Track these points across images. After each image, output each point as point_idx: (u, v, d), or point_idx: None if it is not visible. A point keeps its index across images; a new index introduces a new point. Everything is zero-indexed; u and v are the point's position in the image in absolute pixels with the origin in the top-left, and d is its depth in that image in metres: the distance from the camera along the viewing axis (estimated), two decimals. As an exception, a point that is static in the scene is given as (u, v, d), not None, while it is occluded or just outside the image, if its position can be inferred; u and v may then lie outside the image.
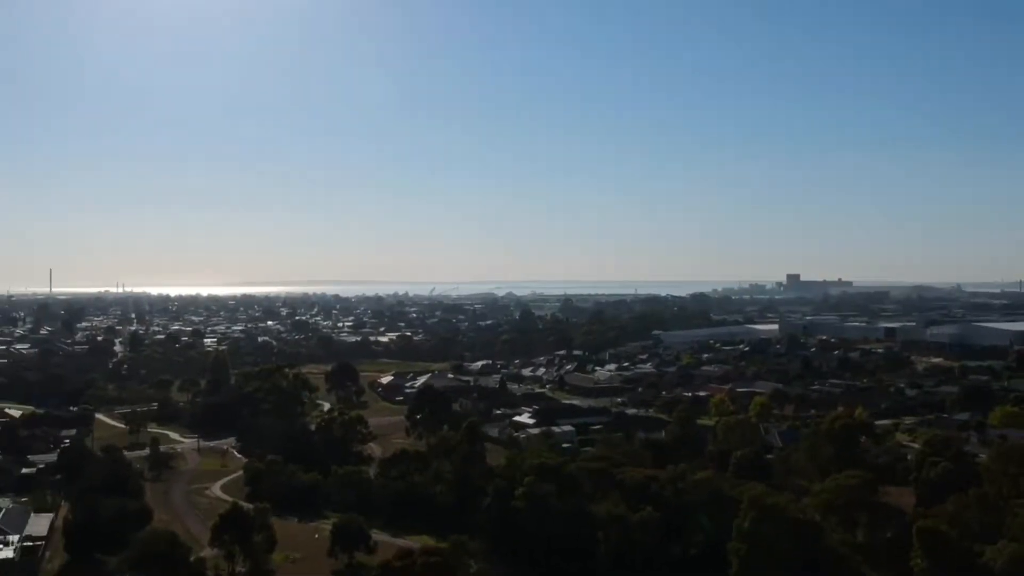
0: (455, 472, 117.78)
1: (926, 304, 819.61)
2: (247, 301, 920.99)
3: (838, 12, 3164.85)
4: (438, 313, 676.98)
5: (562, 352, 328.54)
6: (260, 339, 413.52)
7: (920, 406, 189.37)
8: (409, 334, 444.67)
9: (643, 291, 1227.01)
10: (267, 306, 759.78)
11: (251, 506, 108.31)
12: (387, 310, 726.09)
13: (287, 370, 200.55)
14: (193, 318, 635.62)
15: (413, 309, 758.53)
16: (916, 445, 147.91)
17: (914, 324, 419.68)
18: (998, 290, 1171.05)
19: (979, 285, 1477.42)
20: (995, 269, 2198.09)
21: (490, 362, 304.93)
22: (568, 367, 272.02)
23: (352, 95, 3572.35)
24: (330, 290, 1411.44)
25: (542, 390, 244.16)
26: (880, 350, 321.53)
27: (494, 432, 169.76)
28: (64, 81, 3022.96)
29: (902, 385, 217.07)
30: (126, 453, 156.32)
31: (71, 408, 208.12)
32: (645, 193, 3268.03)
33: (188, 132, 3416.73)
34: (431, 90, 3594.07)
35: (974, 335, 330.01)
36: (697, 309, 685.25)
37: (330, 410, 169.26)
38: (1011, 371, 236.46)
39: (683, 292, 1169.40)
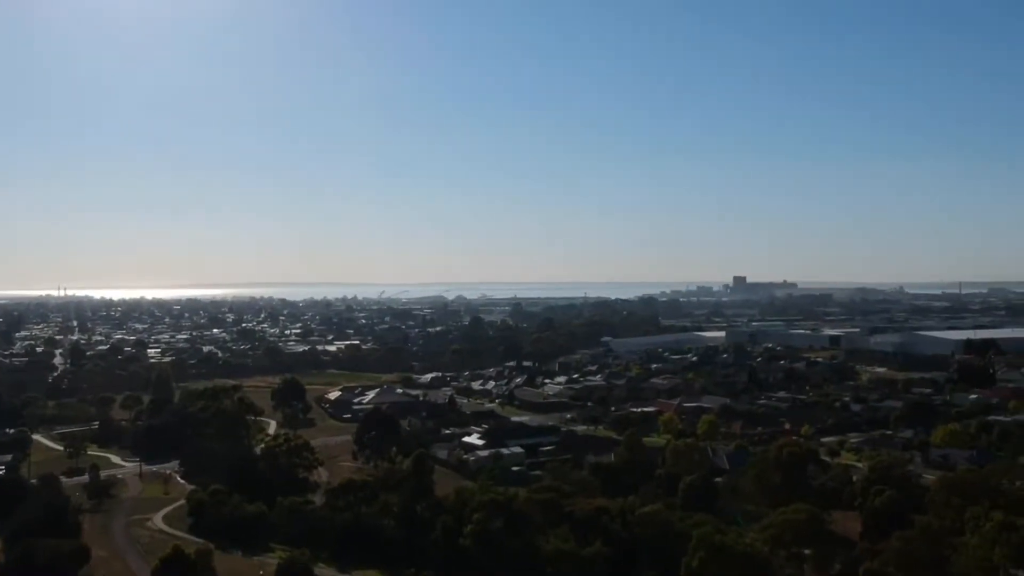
0: (403, 505, 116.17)
1: (869, 307, 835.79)
2: (192, 306, 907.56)
3: (785, 15, 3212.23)
4: (387, 319, 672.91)
5: (512, 363, 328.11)
6: (205, 349, 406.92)
7: (865, 423, 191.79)
8: (358, 342, 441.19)
9: (593, 293, 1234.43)
10: (213, 312, 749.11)
11: (194, 547, 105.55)
12: (335, 316, 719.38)
13: (232, 391, 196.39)
14: (137, 326, 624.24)
15: (362, 314, 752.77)
16: (861, 465, 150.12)
17: (858, 331, 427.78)
18: (939, 291, 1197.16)
19: (921, 286, 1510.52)
20: (936, 270, 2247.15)
21: (440, 374, 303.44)
22: (518, 380, 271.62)
23: (299, 95, 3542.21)
24: (278, 292, 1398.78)
25: (492, 405, 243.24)
26: (824, 360, 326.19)
27: (443, 454, 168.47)
28: (3, 79, 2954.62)
29: (847, 399, 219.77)
30: (65, 480, 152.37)
31: (7, 430, 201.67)
32: (594, 195, 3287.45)
33: (133, 133, 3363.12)
34: (380, 92, 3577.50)
35: (917, 344, 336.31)
36: (646, 314, 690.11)
37: (275, 435, 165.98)
38: (953, 384, 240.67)
39: (632, 294, 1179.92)
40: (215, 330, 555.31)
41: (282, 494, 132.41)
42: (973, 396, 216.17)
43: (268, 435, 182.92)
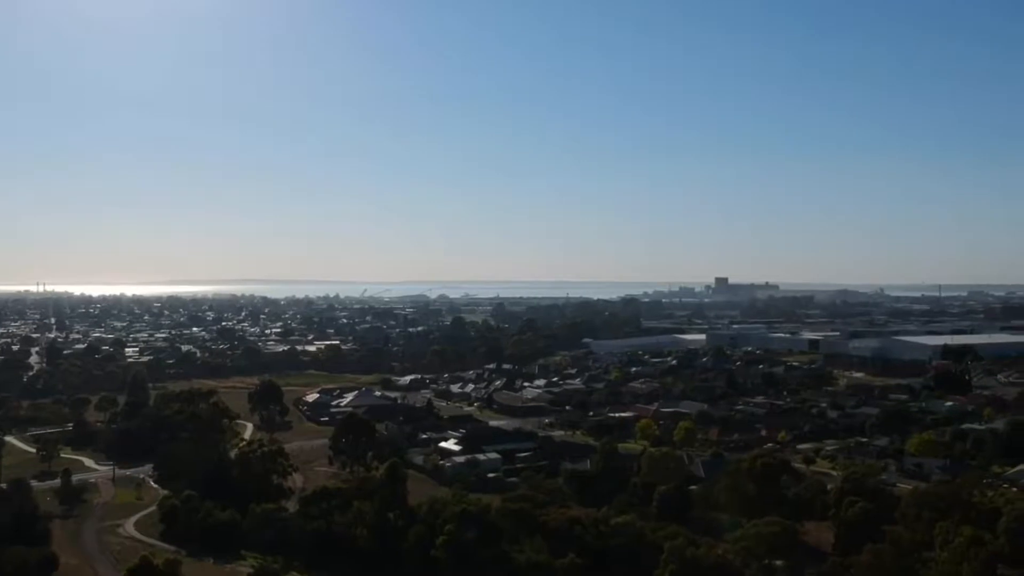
0: (376, 514, 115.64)
1: (849, 309, 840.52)
2: (173, 303, 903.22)
3: (767, 13, 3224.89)
4: (368, 318, 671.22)
5: (492, 365, 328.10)
6: (184, 348, 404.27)
7: (841, 429, 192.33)
8: (338, 342, 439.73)
9: (576, 293, 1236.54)
10: (192, 311, 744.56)
11: (163, 557, 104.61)
12: (316, 315, 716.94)
13: (208, 395, 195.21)
14: (116, 323, 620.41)
15: (343, 313, 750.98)
16: (836, 473, 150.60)
17: (837, 334, 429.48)
18: (919, 294, 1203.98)
19: (901, 288, 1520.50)
20: (916, 272, 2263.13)
21: (419, 376, 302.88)
22: (497, 383, 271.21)
23: (280, 92, 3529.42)
24: (260, 290, 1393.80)
25: (471, 409, 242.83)
26: (801, 364, 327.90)
27: (419, 459, 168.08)
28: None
29: (824, 405, 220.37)
30: (37, 484, 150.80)
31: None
32: (578, 194, 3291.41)
33: (116, 129, 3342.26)
34: (363, 89, 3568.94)
35: (895, 349, 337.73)
36: (628, 315, 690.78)
37: (250, 441, 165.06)
38: (929, 390, 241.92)
39: (615, 294, 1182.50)
40: (195, 329, 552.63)
41: (256, 500, 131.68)
42: (949, 403, 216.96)
43: (244, 439, 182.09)
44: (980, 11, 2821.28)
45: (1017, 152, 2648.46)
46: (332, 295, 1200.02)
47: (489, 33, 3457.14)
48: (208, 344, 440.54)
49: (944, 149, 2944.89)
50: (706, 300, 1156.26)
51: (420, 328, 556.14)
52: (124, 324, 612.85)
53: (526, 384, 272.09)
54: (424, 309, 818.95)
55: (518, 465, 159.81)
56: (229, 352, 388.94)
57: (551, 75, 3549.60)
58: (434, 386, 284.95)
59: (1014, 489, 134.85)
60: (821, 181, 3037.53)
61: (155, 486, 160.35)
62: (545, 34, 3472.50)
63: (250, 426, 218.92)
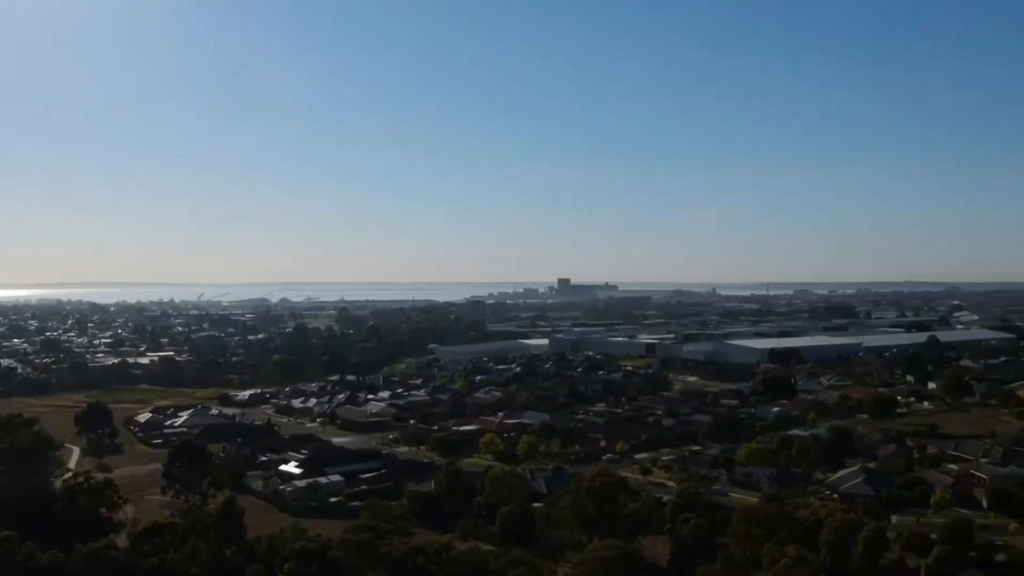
0: (212, 551, 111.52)
1: (684, 309, 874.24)
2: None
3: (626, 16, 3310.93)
4: (206, 326, 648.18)
5: (335, 377, 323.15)
6: (4, 363, 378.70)
7: (676, 438, 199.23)
8: (172, 353, 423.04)
9: (421, 294, 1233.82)
10: (14, 319, 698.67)
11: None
12: (149, 322, 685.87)
13: (29, 423, 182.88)
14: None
15: (179, 320, 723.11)
16: (672, 484, 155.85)
17: (672, 337, 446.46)
18: (748, 293, 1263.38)
19: (731, 287, 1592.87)
20: (746, 271, 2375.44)
21: (259, 391, 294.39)
22: (340, 397, 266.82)
23: (105, 86, 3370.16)
24: (88, 294, 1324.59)
25: (313, 425, 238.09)
26: (638, 368, 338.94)
27: (258, 484, 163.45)
28: None
29: (660, 413, 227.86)
30: None
31: None
32: (423, 193, 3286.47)
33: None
34: (194, 83, 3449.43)
35: (726, 353, 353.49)
36: (473, 318, 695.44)
37: (76, 474, 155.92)
38: (758, 395, 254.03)
39: (461, 295, 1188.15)
40: (16, 340, 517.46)
41: (82, 538, 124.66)
42: (776, 409, 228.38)
43: (69, 469, 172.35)
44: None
45: (840, 156, 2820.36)
46: (167, 299, 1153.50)
47: (330, 25, 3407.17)
48: (31, 357, 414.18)
49: (773, 153, 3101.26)
50: (549, 301, 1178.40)
51: (260, 336, 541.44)
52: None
53: (370, 397, 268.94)
54: (265, 315, 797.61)
55: (362, 487, 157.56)
56: (54, 367, 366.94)
57: (402, 72, 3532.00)
58: (275, 401, 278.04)
59: (835, 496, 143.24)
60: (656, 183, 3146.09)
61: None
62: (393, 29, 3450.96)
63: (77, 451, 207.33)
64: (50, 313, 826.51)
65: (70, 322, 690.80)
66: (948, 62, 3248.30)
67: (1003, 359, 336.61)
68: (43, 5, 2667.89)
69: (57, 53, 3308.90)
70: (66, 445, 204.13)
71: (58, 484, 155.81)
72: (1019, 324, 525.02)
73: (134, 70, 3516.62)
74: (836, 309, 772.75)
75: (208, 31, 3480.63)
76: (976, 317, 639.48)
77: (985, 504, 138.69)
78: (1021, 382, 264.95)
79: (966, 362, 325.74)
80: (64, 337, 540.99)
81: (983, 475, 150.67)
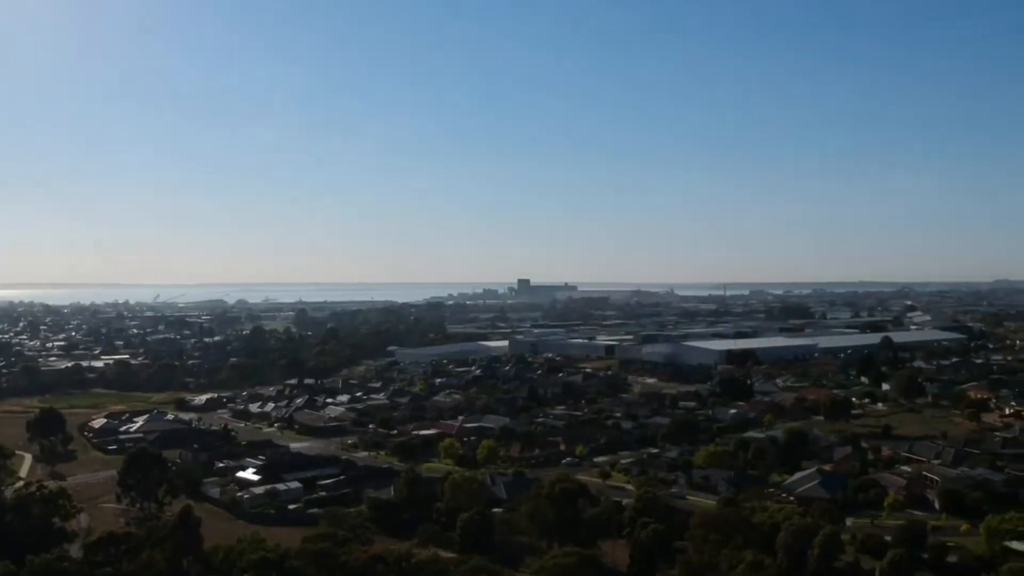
0: (168, 562, 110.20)
1: (642, 310, 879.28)
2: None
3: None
4: (161, 328, 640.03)
5: (293, 381, 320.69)
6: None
7: (635, 441, 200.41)
8: (127, 357, 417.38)
9: (380, 294, 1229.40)
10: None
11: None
12: (104, 324, 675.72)
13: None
14: None
15: (134, 322, 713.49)
16: (631, 487, 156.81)
17: (631, 339, 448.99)
18: (706, 293, 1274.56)
19: (689, 287, 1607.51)
20: (702, 271, 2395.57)
21: (216, 395, 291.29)
22: (298, 401, 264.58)
23: (63, 84, 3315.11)
24: (41, 295, 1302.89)
25: (271, 430, 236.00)
26: (597, 370, 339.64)
27: (215, 491, 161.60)
28: None
29: (619, 415, 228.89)
30: None
31: None
32: (383, 194, 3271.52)
33: None
34: (157, 80, 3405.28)
35: (684, 354, 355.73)
36: (433, 319, 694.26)
37: (27, 483, 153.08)
38: (716, 397, 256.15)
39: (420, 295, 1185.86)
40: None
41: (35, 549, 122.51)
42: (733, 411, 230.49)
43: (20, 477, 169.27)
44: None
45: (795, 158, 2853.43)
46: (121, 301, 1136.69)
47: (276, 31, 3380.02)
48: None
49: (729, 155, 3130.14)
50: (509, 302, 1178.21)
51: (217, 338, 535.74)
52: None
53: (329, 400, 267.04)
54: (222, 317, 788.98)
55: (320, 494, 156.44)
56: (5, 371, 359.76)
57: (369, 66, 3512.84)
58: (232, 405, 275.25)
59: (791, 499, 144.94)
60: (616, 184, 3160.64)
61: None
62: (347, 22, 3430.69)
63: (29, 458, 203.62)
64: (1, 316, 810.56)
65: (21, 324, 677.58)
66: (907, 62, 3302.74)
67: (954, 360, 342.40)
68: (27, 4, 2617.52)
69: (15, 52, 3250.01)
70: (17, 452, 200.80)
71: (9, 493, 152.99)
72: (970, 325, 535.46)
73: (96, 67, 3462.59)
74: (792, 310, 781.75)
75: (179, 24, 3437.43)
76: (928, 318, 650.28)
77: (937, 506, 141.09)
78: (972, 383, 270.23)
79: (919, 363, 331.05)
80: (15, 340, 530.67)
81: (935, 476, 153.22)
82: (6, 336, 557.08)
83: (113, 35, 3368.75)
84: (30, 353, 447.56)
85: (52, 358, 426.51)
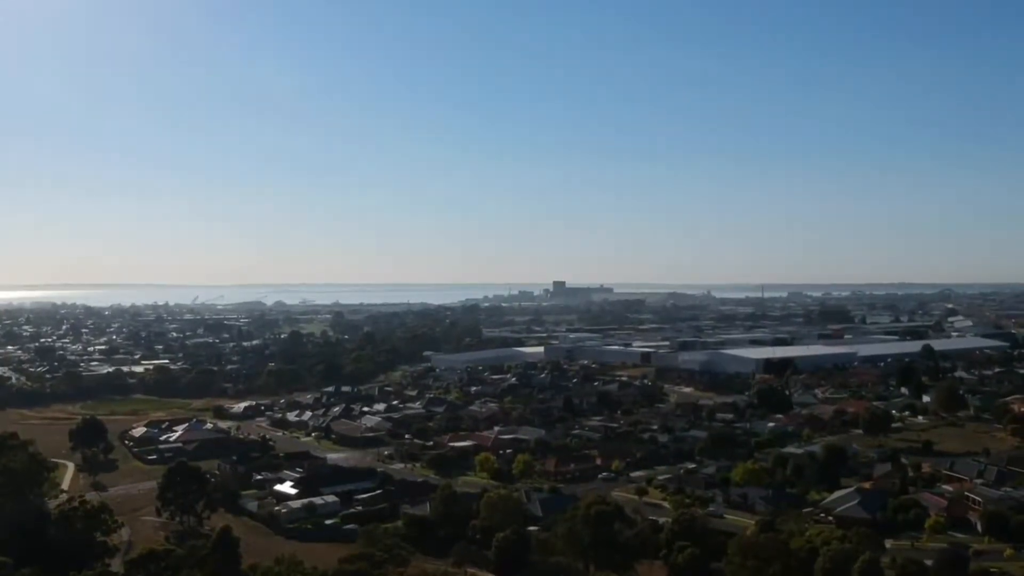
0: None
1: (679, 313, 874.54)
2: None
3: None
4: (200, 331, 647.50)
5: (330, 388, 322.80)
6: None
7: (672, 455, 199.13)
8: (167, 362, 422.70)
9: (416, 296, 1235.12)
10: (8, 325, 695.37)
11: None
12: (143, 327, 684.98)
13: (24, 445, 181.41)
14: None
15: (173, 325, 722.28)
16: (667, 505, 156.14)
17: (667, 345, 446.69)
18: (743, 295, 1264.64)
19: (726, 289, 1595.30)
20: (741, 274, 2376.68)
21: (254, 403, 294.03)
22: (335, 410, 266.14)
23: (100, 88, 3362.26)
24: (83, 296, 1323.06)
25: (308, 439, 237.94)
26: (633, 379, 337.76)
27: (253, 505, 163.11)
28: None
29: (655, 428, 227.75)
30: None
31: None
32: (419, 195, 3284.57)
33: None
34: (188, 84, 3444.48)
35: (721, 363, 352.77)
36: (469, 322, 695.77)
37: (71, 498, 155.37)
38: (753, 408, 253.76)
39: (455, 297, 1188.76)
40: (10, 347, 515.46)
41: (77, 564, 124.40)
42: (771, 424, 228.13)
43: (63, 490, 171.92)
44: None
45: (835, 158, 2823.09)
46: (161, 303, 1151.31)
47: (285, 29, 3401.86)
48: (25, 366, 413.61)
49: (768, 156, 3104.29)
50: (544, 304, 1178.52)
51: (255, 342, 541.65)
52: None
53: (365, 409, 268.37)
54: (260, 319, 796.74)
55: (357, 508, 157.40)
56: (48, 376, 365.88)
57: (396, 74, 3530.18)
58: (269, 414, 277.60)
59: (830, 518, 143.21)
60: (652, 185, 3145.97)
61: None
62: (376, 30, 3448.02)
63: (71, 467, 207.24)
64: (44, 318, 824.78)
65: (64, 327, 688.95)
66: (942, 64, 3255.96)
67: (997, 370, 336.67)
68: (31, 4, 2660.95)
69: (46, 57, 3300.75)
70: (60, 462, 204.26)
71: (52, 505, 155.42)
72: (1012, 331, 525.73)
73: (129, 70, 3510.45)
74: (831, 313, 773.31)
75: (203, 30, 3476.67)
76: (970, 323, 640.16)
77: (980, 528, 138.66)
78: (1015, 395, 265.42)
79: (960, 373, 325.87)
80: (58, 344, 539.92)
81: (977, 497, 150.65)
82: (49, 340, 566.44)
83: (150, 33, 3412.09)
84: (72, 357, 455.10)
85: (94, 362, 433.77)
